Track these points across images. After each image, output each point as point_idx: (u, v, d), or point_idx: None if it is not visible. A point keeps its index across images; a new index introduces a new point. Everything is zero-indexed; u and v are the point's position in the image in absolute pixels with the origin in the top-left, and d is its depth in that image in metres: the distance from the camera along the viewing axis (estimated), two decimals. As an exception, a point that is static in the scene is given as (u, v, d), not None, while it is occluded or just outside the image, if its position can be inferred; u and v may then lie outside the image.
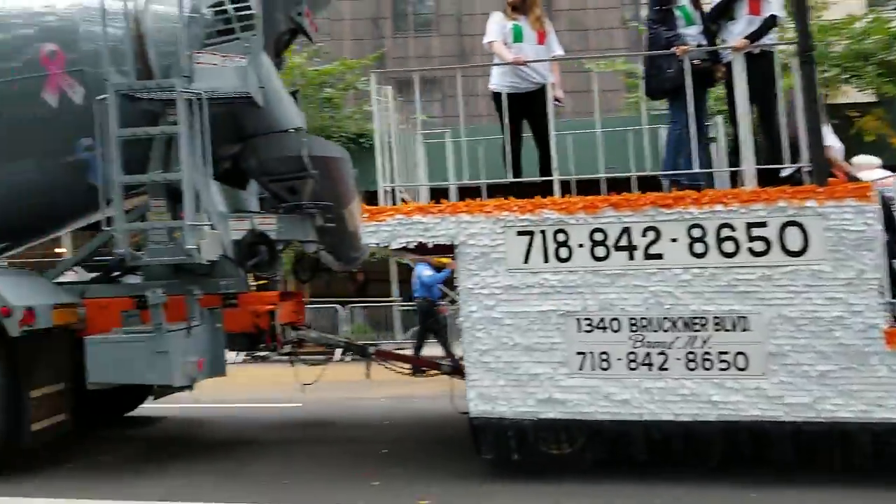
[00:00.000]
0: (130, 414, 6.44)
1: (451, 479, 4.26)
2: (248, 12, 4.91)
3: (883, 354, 3.84)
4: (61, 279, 5.20)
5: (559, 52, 5.06)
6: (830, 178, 4.15)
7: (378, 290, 14.07)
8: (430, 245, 4.33)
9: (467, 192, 4.59)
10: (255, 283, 5.28)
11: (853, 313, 3.87)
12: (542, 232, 4.16)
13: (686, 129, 4.47)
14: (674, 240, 4.05)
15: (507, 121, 4.71)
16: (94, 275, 5.41)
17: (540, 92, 4.83)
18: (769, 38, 4.61)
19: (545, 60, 4.90)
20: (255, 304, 5.02)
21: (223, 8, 4.95)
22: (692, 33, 4.72)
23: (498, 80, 4.91)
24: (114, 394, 5.52)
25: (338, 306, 11.87)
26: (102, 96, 4.50)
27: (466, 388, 4.21)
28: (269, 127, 5.17)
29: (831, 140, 4.69)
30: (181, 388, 4.68)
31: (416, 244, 4.34)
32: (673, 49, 4.44)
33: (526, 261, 4.17)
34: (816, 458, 3.98)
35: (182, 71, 4.60)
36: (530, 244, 4.17)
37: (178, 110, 4.46)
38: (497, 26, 4.91)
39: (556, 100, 4.93)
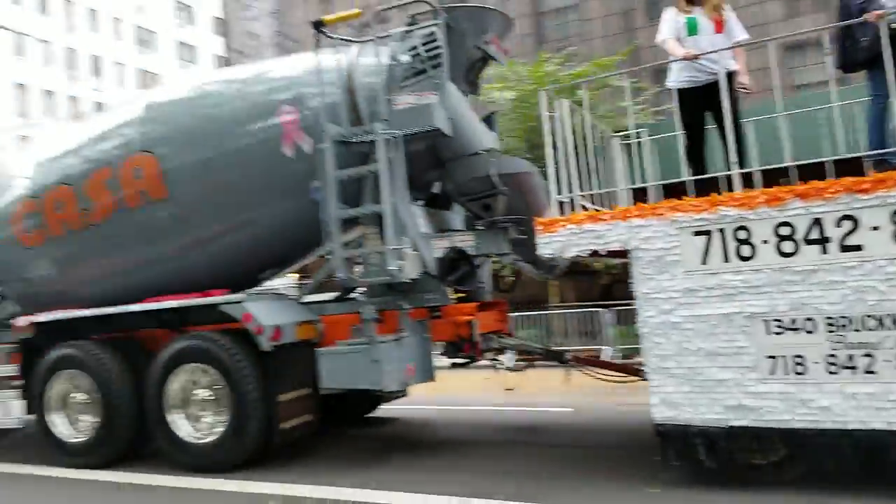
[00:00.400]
0: (370, 415, 7.33)
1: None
2: (436, 51, 5.43)
3: None
4: (305, 300, 6.17)
5: (742, 36, 4.77)
6: None
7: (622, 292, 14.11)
8: (603, 252, 4.40)
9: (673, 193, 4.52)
10: (454, 297, 5.72)
11: None
12: (721, 230, 3.99)
13: (889, 102, 3.96)
14: (875, 228, 3.62)
15: (685, 118, 4.58)
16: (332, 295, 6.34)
17: (718, 83, 4.62)
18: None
19: (714, 52, 4.66)
20: (456, 316, 5.47)
21: (416, 51, 5.53)
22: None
23: (675, 77, 4.79)
24: (354, 398, 6.40)
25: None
26: (322, 145, 5.33)
27: (650, 394, 4.18)
28: (462, 151, 5.62)
29: None
30: (399, 393, 5.26)
31: (589, 252, 4.43)
32: (865, 16, 3.96)
33: (704, 262, 4.03)
34: None
35: (381, 115, 5.26)
36: (708, 244, 4.03)
37: (377, 151, 5.12)
38: (670, 23, 4.80)
39: (743, 86, 4.67)
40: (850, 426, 3.63)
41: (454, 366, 5.85)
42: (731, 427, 3.91)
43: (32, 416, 6.30)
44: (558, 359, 5.67)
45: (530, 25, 23.70)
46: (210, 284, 5.99)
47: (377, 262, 5.32)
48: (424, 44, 5.49)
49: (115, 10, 42.01)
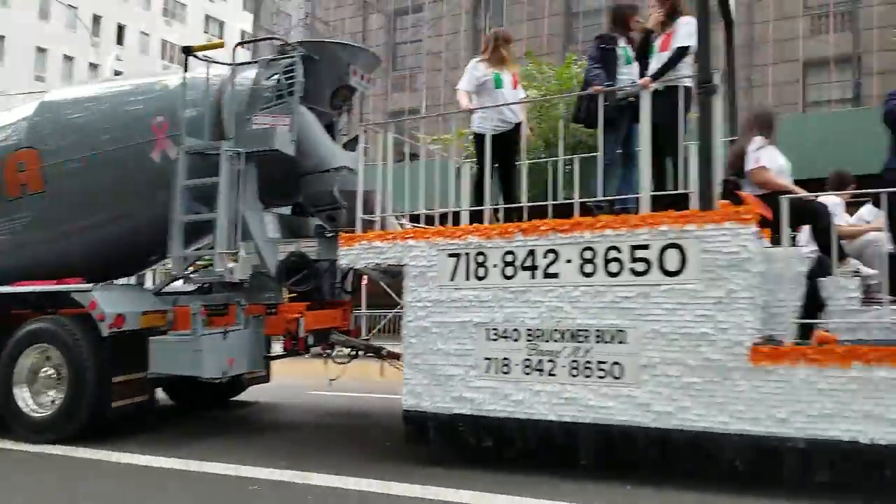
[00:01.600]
0: (235, 398, 8.05)
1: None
2: (292, 81, 6.34)
3: (746, 370, 4.06)
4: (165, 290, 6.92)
5: (523, 94, 5.84)
6: (724, 202, 4.47)
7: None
8: (383, 266, 5.34)
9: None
10: (289, 296, 6.56)
11: (720, 330, 4.15)
12: (467, 254, 4.96)
13: (612, 159, 5.03)
14: (568, 260, 4.63)
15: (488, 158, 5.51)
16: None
17: (514, 131, 5.67)
18: (685, 69, 5.02)
19: (512, 104, 5.71)
20: (287, 313, 6.31)
21: (277, 78, 6.46)
22: (628, 72, 5.26)
23: (480, 123, 5.76)
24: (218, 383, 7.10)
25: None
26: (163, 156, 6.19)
27: (403, 385, 5.08)
28: (313, 168, 6.49)
29: (768, 160, 4.89)
30: (219, 379, 6.00)
31: (373, 265, 5.37)
32: (590, 90, 5.05)
33: (452, 279, 4.99)
34: (681, 465, 4.22)
35: (228, 133, 6.16)
36: (457, 265, 4.99)
37: (221, 164, 6.01)
38: (471, 75, 5.81)
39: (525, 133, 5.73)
40: (535, 417, 4.58)
41: (318, 356, 6.67)
42: (454, 414, 4.83)
43: None
44: (377, 353, 6.53)
45: (561, 25, 24.12)
46: (89, 269, 6.72)
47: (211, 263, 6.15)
48: (284, 73, 6.41)
49: None
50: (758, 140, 4.90)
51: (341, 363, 6.73)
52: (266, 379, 7.72)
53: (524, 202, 5.60)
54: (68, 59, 39.14)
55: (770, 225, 4.64)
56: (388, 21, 28.60)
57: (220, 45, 6.60)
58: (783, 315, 4.46)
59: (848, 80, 20.86)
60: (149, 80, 7.21)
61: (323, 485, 4.51)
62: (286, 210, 7.27)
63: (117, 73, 36.13)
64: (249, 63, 6.72)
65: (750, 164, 4.88)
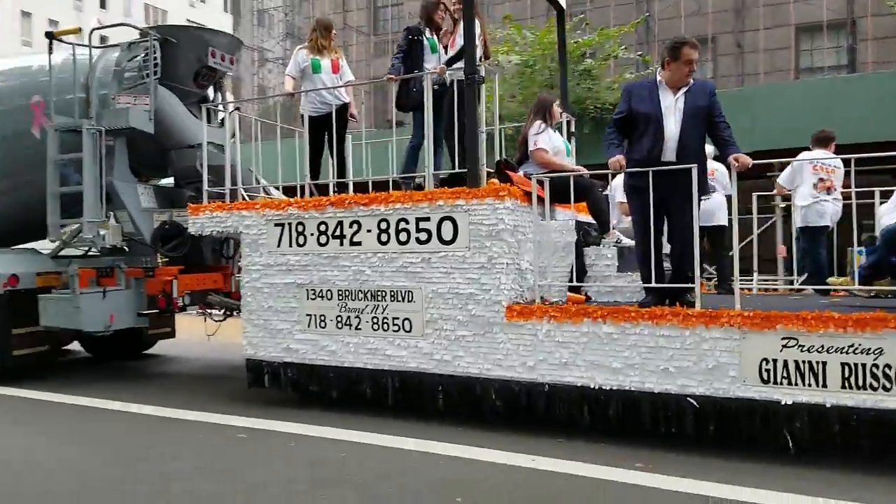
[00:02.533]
0: (147, 352, 8.88)
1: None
2: (151, 63, 6.77)
3: (503, 325, 4.74)
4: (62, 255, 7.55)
5: (350, 77, 6.29)
6: (493, 180, 5.04)
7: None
8: (224, 233, 5.94)
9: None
10: (163, 260, 7.20)
11: (483, 291, 4.81)
12: (290, 224, 5.56)
13: (420, 140, 5.55)
14: (369, 230, 5.23)
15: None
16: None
17: (340, 111, 6.16)
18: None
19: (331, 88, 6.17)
20: (163, 276, 6.96)
21: (137, 61, 6.88)
22: (436, 60, 5.71)
23: (306, 106, 6.27)
24: (128, 336, 7.86)
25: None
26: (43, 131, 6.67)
27: (242, 336, 5.78)
28: (177, 144, 7.04)
29: (545, 142, 5.41)
30: (101, 333, 6.71)
31: (217, 232, 5.96)
32: (384, 77, 5.53)
33: (279, 245, 5.61)
34: (459, 406, 4.96)
35: (91, 112, 6.62)
36: (282, 233, 5.60)
37: (84, 140, 6.49)
38: (295, 61, 6.27)
39: (351, 115, 6.21)
40: (346, 364, 5.30)
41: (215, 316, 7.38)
42: (284, 363, 5.56)
43: None
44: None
45: (546, -11, 23.63)
46: (12, 232, 7.36)
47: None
48: (144, 56, 6.83)
49: None
50: (537, 124, 5.40)
51: (217, 321, 7.43)
52: (172, 334, 8.49)
53: (350, 178, 6.15)
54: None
55: (559, 200, 5.21)
56: None
57: (77, 31, 6.95)
58: (558, 278, 5.13)
59: (842, 46, 20.43)
60: (27, 62, 7.57)
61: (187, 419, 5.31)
62: (169, 182, 7.77)
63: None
64: (111, 46, 7.08)
65: (530, 147, 5.40)
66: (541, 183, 4.97)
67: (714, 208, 6.54)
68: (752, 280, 7.17)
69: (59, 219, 6.73)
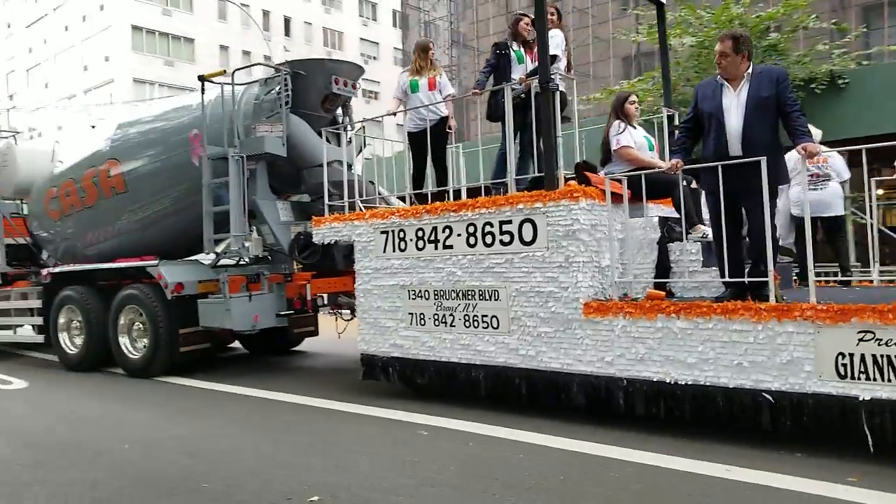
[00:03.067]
0: (295, 349, 9.94)
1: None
2: (284, 95, 7.67)
3: (581, 321, 4.91)
4: (220, 265, 8.71)
5: (449, 92, 6.70)
6: (572, 182, 5.21)
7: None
8: (342, 241, 6.59)
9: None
10: (299, 267, 8.04)
11: (562, 288, 5.01)
12: (392, 231, 6.10)
13: (505, 147, 5.86)
14: (459, 234, 5.62)
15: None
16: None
17: (438, 125, 6.62)
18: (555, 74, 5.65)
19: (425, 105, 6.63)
20: (299, 281, 7.83)
21: (272, 93, 7.82)
22: (520, 71, 5.98)
23: (407, 125, 6.79)
24: (277, 335, 8.96)
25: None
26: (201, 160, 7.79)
27: (358, 334, 6.40)
28: (310, 163, 7.87)
29: (627, 139, 5.47)
30: (248, 331, 7.70)
31: (335, 241, 6.64)
32: (471, 91, 5.87)
33: (384, 251, 6.17)
34: (542, 398, 5.17)
35: (234, 141, 7.62)
36: (387, 240, 6.15)
37: (229, 166, 7.50)
38: (398, 85, 6.80)
39: (449, 128, 6.64)
40: (443, 359, 5.72)
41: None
42: (392, 357, 6.09)
43: (42, 335, 9.40)
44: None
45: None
46: (167, 250, 8.66)
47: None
48: (277, 89, 7.76)
49: None
50: (616, 124, 5.48)
51: (346, 321, 8.17)
52: (315, 333, 9.45)
53: (450, 186, 6.57)
54: (246, 53, 43.06)
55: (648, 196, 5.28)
56: None
57: (223, 73, 8.00)
58: (643, 275, 5.21)
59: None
60: (187, 101, 8.82)
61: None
62: (306, 197, 8.66)
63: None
64: (253, 82, 8.08)
65: (613, 146, 5.48)
66: (621, 181, 5.09)
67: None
68: (870, 272, 6.61)
69: (212, 234, 7.81)
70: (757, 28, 12.43)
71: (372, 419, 5.49)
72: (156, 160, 8.63)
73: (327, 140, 7.67)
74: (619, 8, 25.57)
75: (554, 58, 5.68)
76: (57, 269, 9.40)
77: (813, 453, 4.03)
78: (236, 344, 9.89)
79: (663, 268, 5.22)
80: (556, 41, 5.74)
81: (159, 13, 40.73)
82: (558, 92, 5.20)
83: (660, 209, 5.55)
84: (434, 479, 3.92)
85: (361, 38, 50.29)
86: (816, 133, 5.64)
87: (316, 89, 8.02)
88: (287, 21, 46.07)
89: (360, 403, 5.98)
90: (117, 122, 9.36)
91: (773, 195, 4.31)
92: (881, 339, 3.74)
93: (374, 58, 50.20)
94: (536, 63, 5.89)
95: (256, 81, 8.25)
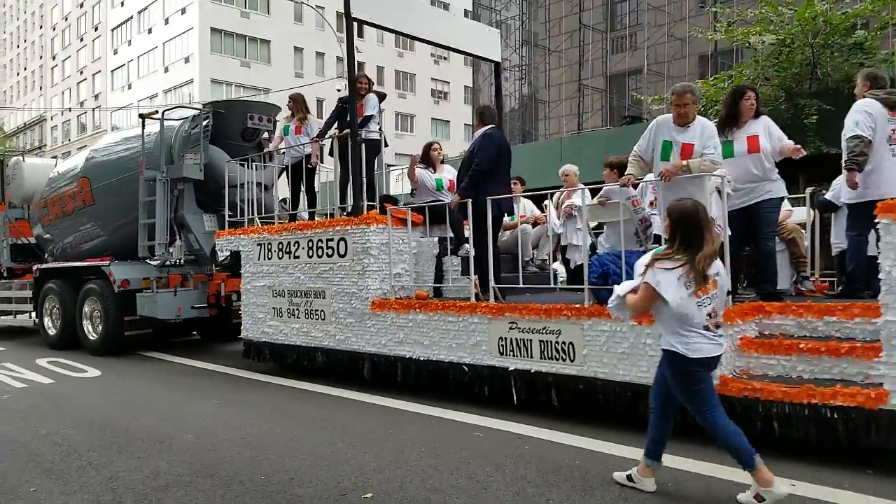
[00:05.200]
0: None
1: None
2: (205, 129, 9.57)
3: (370, 314, 6.69)
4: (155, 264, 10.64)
5: (314, 132, 8.49)
6: (373, 211, 6.98)
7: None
8: (223, 255, 8.46)
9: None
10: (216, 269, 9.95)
11: (360, 290, 6.80)
12: (263, 244, 7.94)
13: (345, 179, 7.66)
14: (303, 248, 7.44)
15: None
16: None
17: (306, 159, 8.44)
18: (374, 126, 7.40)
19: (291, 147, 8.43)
20: (217, 280, 9.75)
21: (198, 128, 9.73)
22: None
23: (287, 159, 8.61)
24: (222, 325, 10.87)
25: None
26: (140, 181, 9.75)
27: (242, 322, 8.26)
28: (226, 185, 9.77)
29: (425, 179, 7.21)
30: (173, 320, 9.62)
31: (230, 252, 8.52)
32: (311, 140, 7.68)
33: (258, 259, 8.01)
34: (352, 375, 6.94)
35: (162, 166, 9.55)
36: (260, 250, 8.00)
37: (157, 187, 9.43)
38: (277, 129, 8.61)
39: (310, 163, 8.43)
40: (292, 343, 7.54)
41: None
42: (262, 342, 7.94)
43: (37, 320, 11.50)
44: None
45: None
46: (126, 252, 10.67)
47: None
48: (203, 125, 9.68)
49: None
50: (418, 169, 7.23)
51: None
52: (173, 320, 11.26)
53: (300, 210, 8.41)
54: (320, 55, 44.09)
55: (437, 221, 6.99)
56: None
57: (155, 113, 9.94)
58: (426, 281, 6.97)
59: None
60: (136, 132, 10.77)
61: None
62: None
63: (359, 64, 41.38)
64: (186, 118, 10.02)
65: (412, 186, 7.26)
66: (418, 210, 6.85)
67: None
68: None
69: (146, 241, 9.77)
70: (842, 25, 11.98)
71: (422, 417, 5.57)
72: (114, 179, 10.62)
73: (242, 165, 9.56)
74: (697, 5, 24.68)
75: (369, 118, 7.43)
76: (41, 266, 11.49)
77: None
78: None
79: (439, 275, 6.96)
80: (371, 104, 7.46)
81: (237, 15, 41.70)
82: (364, 142, 6.98)
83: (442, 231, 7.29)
84: (487, 481, 3.95)
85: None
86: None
87: (233, 124, 9.92)
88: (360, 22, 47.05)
89: (419, 403, 6.00)
90: (91, 148, 11.42)
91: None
92: (521, 328, 5.46)
93: (445, 58, 50.09)
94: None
95: (187, 118, 10.18)
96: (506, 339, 5.58)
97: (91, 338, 10.34)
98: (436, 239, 7.08)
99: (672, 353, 3.43)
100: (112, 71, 49.70)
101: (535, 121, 32.95)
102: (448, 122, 48.88)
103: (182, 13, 41.98)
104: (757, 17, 13.23)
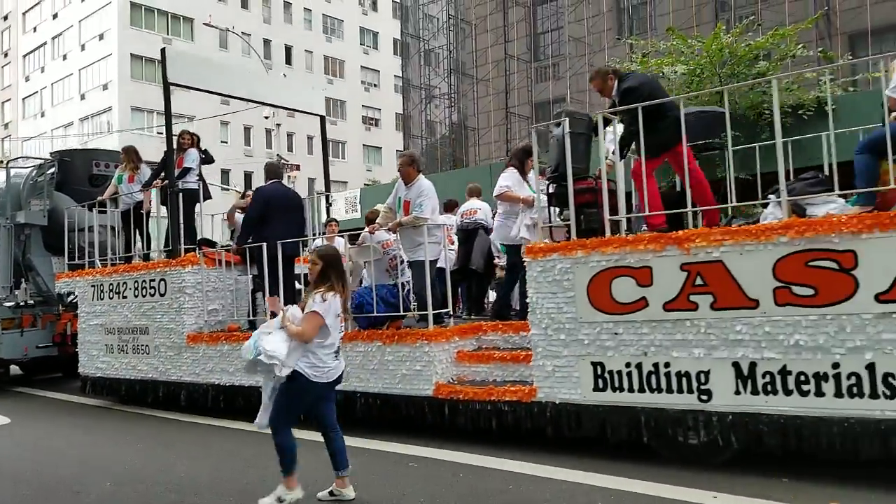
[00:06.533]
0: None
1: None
2: (50, 177, 10.16)
3: (186, 347, 7.52)
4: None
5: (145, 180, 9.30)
6: (193, 254, 7.85)
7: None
8: (71, 297, 9.07)
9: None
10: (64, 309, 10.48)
11: (177, 325, 7.62)
12: (96, 285, 8.62)
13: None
14: (130, 288, 8.19)
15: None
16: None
17: (138, 206, 9.21)
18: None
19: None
20: (64, 320, 10.26)
21: (44, 176, 10.30)
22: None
23: (120, 206, 9.35)
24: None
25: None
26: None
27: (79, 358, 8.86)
28: (72, 228, 10.33)
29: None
30: (19, 361, 10.06)
31: (71, 291, 9.12)
32: (142, 187, 8.52)
33: (93, 299, 8.68)
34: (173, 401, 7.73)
35: (5, 212, 10.06)
36: (94, 291, 8.67)
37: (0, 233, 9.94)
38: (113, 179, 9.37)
39: (141, 208, 9.19)
40: (122, 377, 8.22)
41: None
42: (97, 377, 8.57)
43: None
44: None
45: (710, -8, 22.98)
46: None
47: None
48: (48, 173, 10.26)
49: (305, 2, 47.20)
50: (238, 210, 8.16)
51: None
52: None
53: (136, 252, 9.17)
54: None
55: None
56: (528, 12, 29.46)
57: (1, 163, 10.48)
58: (242, 315, 7.86)
59: None
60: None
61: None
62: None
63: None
64: (33, 167, 10.59)
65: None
66: (237, 252, 7.74)
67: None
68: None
69: (-8, 284, 10.22)
70: (746, 56, 12.85)
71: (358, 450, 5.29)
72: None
73: (90, 209, 10.18)
74: (614, 37, 25.67)
75: (187, 170, 8.33)
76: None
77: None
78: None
79: (253, 308, 7.88)
80: (191, 157, 8.37)
81: (159, 42, 39.39)
82: (182, 192, 7.88)
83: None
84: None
85: (362, 66, 50.63)
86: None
87: (82, 171, 10.56)
88: (288, 49, 46.41)
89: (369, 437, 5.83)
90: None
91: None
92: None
93: (375, 85, 50.95)
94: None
95: (35, 166, 10.73)
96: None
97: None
98: (250, 277, 8.00)
99: (301, 374, 4.07)
100: (24, 98, 47.75)
101: (466, 147, 33.88)
102: (380, 147, 49.60)
103: (100, 39, 40.73)
104: (669, 49, 14.02)
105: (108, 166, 10.68)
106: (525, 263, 5.15)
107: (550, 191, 5.41)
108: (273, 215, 6.83)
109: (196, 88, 8.18)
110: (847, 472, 4.25)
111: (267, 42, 45.19)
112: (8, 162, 10.46)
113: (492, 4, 30.20)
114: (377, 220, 6.35)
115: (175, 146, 8.25)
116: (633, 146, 5.38)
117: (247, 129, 40.81)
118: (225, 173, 37.13)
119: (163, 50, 7.81)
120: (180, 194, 7.92)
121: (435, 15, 35.07)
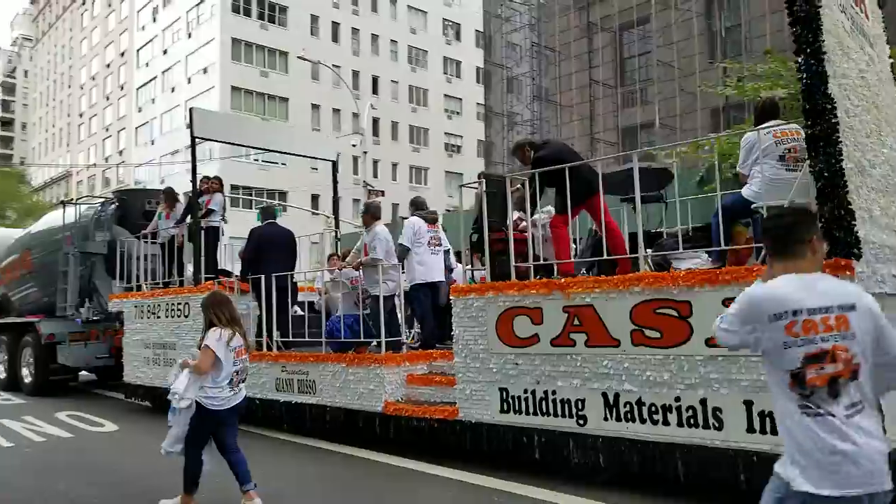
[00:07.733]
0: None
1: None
2: (110, 214, 11.78)
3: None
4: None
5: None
6: (210, 282, 9.09)
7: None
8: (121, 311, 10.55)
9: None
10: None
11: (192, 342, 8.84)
12: (138, 307, 10.02)
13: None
14: (164, 310, 9.51)
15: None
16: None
17: (173, 239, 10.59)
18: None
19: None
20: (119, 336, 11.76)
21: (106, 213, 11.94)
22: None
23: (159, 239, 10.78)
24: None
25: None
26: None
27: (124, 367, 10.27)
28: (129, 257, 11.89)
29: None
30: (83, 369, 11.64)
31: (120, 311, 10.58)
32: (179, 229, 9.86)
33: (135, 318, 10.08)
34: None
35: (76, 242, 11.71)
36: (136, 311, 10.07)
37: (70, 259, 11.57)
38: (155, 216, 10.81)
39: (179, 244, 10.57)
40: (158, 385, 9.52)
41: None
42: (137, 385, 9.93)
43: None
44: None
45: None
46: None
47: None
48: (109, 210, 11.89)
49: (392, 34, 50.47)
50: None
51: None
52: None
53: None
54: (336, 111, 45.90)
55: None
56: (614, 38, 28.84)
57: (72, 202, 12.18)
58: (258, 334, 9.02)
59: None
60: (60, 216, 12.94)
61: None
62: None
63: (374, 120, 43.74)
64: (98, 204, 12.28)
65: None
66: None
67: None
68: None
69: (65, 302, 11.86)
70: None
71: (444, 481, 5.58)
72: (46, 252, 12.80)
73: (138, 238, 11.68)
74: (706, 60, 24.80)
75: (211, 211, 9.60)
76: (-7, 322, 13.55)
77: None
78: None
79: (258, 330, 9.01)
80: (216, 200, 9.65)
81: (257, 75, 43.59)
82: (205, 230, 9.14)
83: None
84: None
85: (445, 95, 52.45)
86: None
87: (136, 208, 12.15)
88: (375, 80, 48.68)
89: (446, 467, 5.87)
90: (35, 224, 13.74)
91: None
92: (288, 371, 7.49)
93: (458, 113, 52.72)
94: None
95: (100, 203, 12.38)
96: (280, 379, 7.62)
97: (26, 381, 12.33)
98: (255, 304, 9.15)
99: (199, 405, 4.79)
100: (136, 127, 51.82)
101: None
102: (461, 174, 51.20)
103: (204, 72, 43.91)
104: (767, 73, 13.34)
105: (158, 204, 12.20)
106: (451, 301, 6.01)
107: (473, 240, 6.26)
108: (265, 253, 7.99)
109: (218, 140, 9.48)
110: None
111: (356, 73, 47.43)
112: (78, 200, 12.14)
113: (576, 31, 29.94)
114: (346, 259, 7.37)
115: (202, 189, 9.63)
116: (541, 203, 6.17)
117: (335, 111, 42.59)
118: (315, 198, 39.19)
119: (191, 109, 9.14)
120: (202, 231, 9.19)
121: (518, 43, 35.67)
